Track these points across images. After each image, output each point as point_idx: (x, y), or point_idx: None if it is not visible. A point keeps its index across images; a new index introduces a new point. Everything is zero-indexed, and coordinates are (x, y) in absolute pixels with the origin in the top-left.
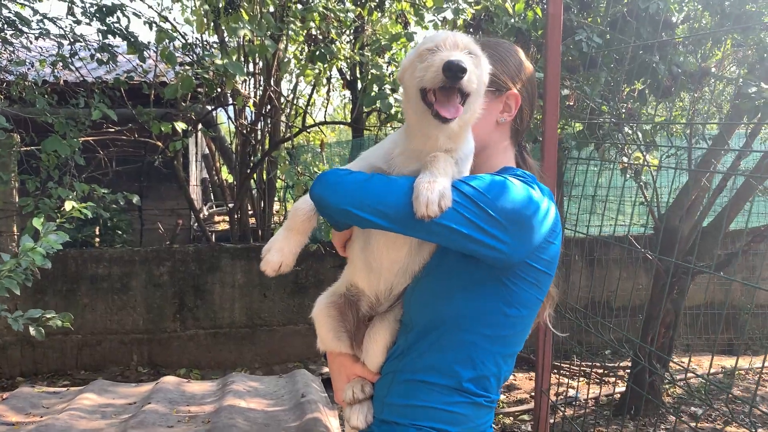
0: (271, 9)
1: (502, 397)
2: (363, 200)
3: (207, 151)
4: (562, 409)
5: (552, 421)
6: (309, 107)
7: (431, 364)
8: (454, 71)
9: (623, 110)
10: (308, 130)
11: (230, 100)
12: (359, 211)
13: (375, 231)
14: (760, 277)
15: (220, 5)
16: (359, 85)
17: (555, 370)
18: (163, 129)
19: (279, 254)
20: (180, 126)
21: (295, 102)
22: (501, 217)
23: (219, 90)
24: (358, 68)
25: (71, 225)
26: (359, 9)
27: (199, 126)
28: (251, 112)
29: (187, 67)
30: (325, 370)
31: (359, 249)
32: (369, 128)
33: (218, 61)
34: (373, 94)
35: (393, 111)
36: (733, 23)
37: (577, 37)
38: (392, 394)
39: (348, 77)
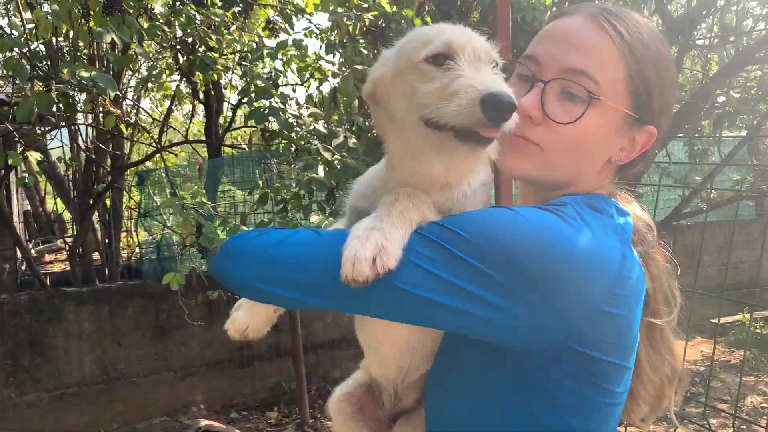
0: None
1: None
2: (275, 271)
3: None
4: None
5: None
6: (165, 125)
7: None
8: (502, 111)
9: None
10: (168, 150)
11: (79, 119)
12: (270, 286)
13: None
14: None
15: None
16: (232, 97)
17: None
18: (10, 161)
19: (247, 315)
20: (34, 156)
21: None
22: (496, 271)
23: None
24: (214, 79)
25: None
26: (227, 14)
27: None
28: (92, 132)
29: (39, 83)
30: (204, 423)
31: (360, 330)
32: (243, 147)
33: (84, 74)
34: (263, 109)
35: (277, 127)
36: None
37: None
38: None
39: (204, 90)
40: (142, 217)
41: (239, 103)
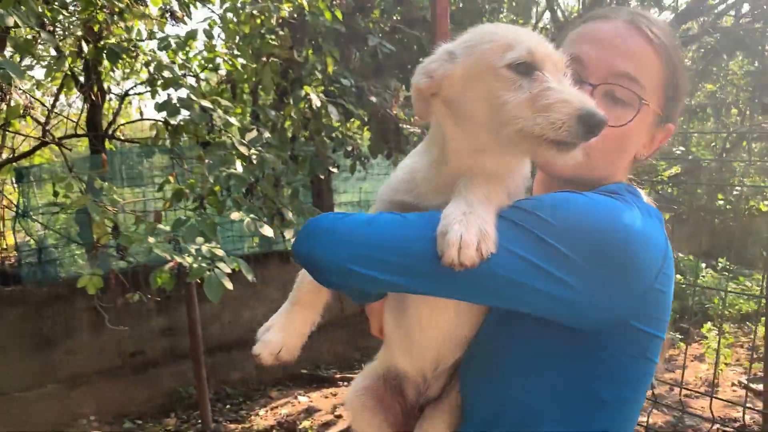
0: None
1: (306, 423)
2: (368, 252)
3: None
4: None
5: None
6: (50, 116)
7: None
8: (593, 128)
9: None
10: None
11: None
12: (365, 268)
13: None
14: None
15: None
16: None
17: (344, 382)
18: None
19: (281, 335)
20: None
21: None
22: (575, 253)
23: None
24: (95, 68)
25: None
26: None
27: None
28: None
29: None
30: None
31: (393, 321)
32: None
33: None
34: (174, 101)
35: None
36: None
37: (371, 42)
38: None
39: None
40: (21, 217)
41: (126, 94)
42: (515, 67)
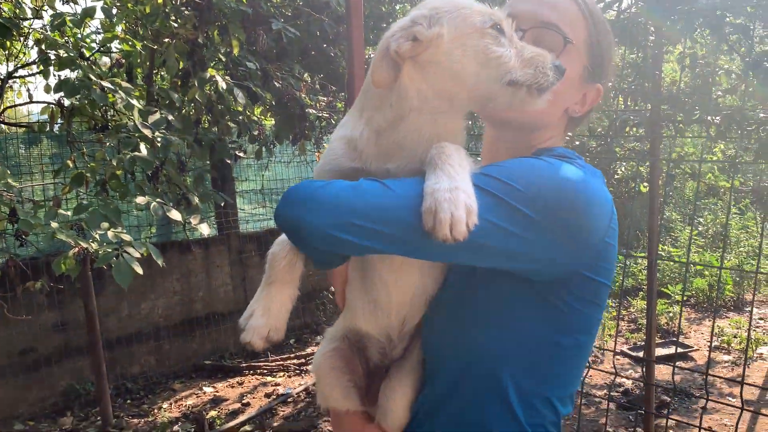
0: None
1: (213, 413)
2: (352, 219)
3: None
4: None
5: (275, 423)
6: None
7: (469, 421)
8: (561, 74)
9: (323, 102)
10: None
11: None
12: (348, 234)
13: (372, 255)
14: None
15: None
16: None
17: (251, 371)
18: None
19: (264, 318)
20: None
21: None
22: (538, 215)
23: None
24: None
25: None
26: None
27: None
28: None
29: None
30: None
31: (358, 284)
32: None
33: None
34: (75, 81)
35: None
36: None
37: (274, 26)
38: None
39: None
40: None
41: (10, 76)
42: (496, 27)
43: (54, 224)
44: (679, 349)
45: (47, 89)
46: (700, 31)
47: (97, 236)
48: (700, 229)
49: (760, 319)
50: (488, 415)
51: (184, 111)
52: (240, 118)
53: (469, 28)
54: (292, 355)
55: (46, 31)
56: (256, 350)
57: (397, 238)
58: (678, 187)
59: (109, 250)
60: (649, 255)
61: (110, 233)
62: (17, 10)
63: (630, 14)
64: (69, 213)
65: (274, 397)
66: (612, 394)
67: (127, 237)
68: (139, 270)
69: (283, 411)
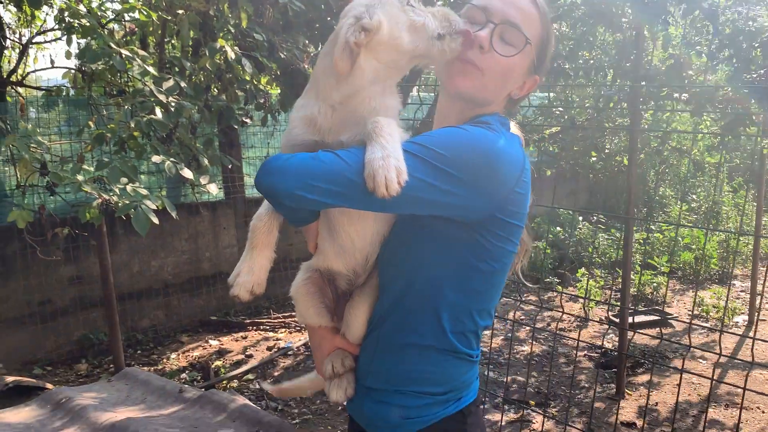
0: None
1: (218, 363)
2: (313, 182)
3: None
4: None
5: (276, 373)
6: None
7: (410, 327)
8: (458, 21)
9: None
10: None
11: None
12: (311, 193)
13: (335, 212)
14: None
15: None
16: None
17: (254, 327)
18: None
19: (249, 276)
20: None
21: None
22: (461, 174)
23: None
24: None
25: None
26: None
27: None
28: None
29: None
30: (10, 379)
31: (326, 234)
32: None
33: None
34: (96, 48)
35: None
36: None
37: (281, 0)
38: (375, 361)
39: None
40: None
41: (29, 42)
42: (410, 4)
43: (80, 177)
44: (660, 317)
45: (68, 55)
46: (673, 13)
47: (117, 190)
48: (693, 205)
49: (742, 291)
50: (421, 324)
51: (194, 78)
52: (247, 86)
53: (395, 9)
54: (293, 313)
55: (70, 1)
56: (243, 302)
57: (348, 196)
58: (674, 165)
59: (127, 202)
60: (626, 223)
61: (129, 187)
62: None
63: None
64: (91, 169)
65: (276, 350)
66: (591, 354)
67: (144, 191)
68: (155, 220)
69: (284, 362)
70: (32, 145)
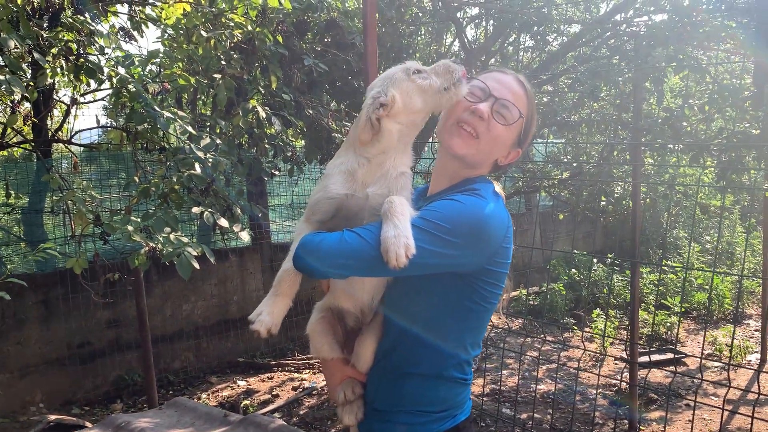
0: None
1: (246, 402)
2: (340, 261)
3: None
4: (309, 399)
5: (301, 412)
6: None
7: (413, 359)
8: (459, 65)
9: (347, 128)
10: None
11: None
12: (339, 270)
13: None
14: None
15: None
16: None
17: (279, 368)
18: None
19: (270, 317)
20: None
21: None
22: (458, 239)
23: None
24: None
25: None
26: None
27: None
28: None
29: None
30: (53, 417)
31: (343, 282)
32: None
33: None
34: (140, 110)
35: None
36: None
37: (306, 62)
38: (381, 387)
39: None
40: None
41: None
42: (415, 71)
43: (129, 227)
44: (673, 355)
45: (111, 115)
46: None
47: (161, 238)
48: (707, 246)
49: (756, 330)
50: (422, 356)
51: (227, 135)
52: (276, 141)
53: (403, 82)
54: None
55: (117, 69)
56: (260, 337)
57: (368, 268)
58: (687, 207)
59: (171, 249)
60: (632, 265)
61: (172, 236)
62: (99, 54)
63: (605, 59)
64: (138, 220)
65: (300, 390)
66: (605, 393)
67: (185, 239)
68: (197, 265)
69: (308, 402)
70: (87, 199)
